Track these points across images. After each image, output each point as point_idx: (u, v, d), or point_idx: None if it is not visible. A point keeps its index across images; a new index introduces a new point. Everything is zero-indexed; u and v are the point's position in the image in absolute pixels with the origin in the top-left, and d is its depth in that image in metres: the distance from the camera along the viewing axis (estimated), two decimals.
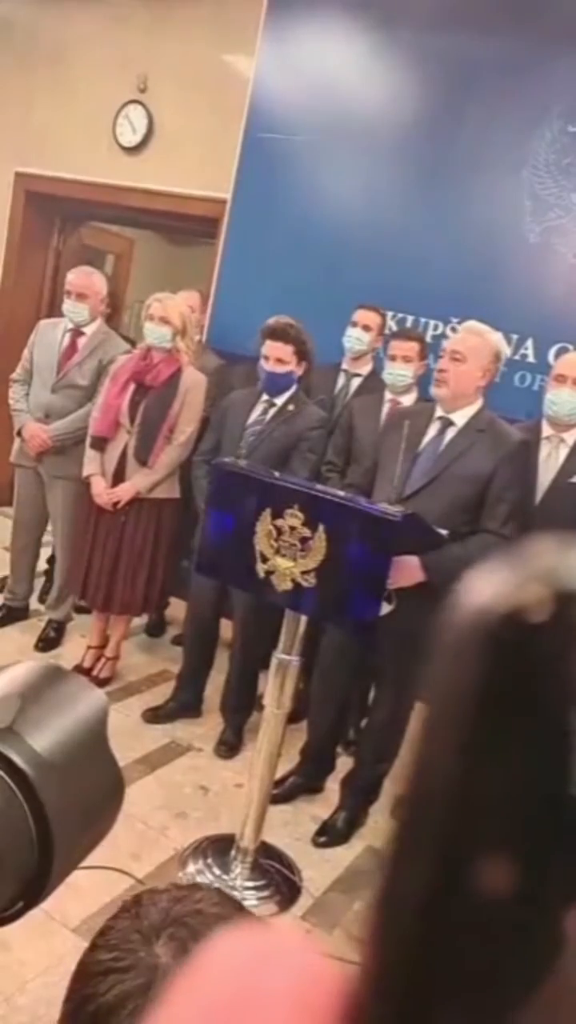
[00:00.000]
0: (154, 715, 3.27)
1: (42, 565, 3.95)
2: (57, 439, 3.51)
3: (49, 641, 3.71)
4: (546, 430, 2.82)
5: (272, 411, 3.05)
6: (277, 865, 2.56)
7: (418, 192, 3.61)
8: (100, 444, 3.29)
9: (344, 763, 2.98)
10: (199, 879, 2.43)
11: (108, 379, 3.35)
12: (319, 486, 2.44)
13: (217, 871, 2.48)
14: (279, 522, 2.21)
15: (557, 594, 0.16)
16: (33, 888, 0.40)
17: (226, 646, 3.33)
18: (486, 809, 0.16)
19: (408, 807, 0.17)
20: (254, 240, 3.97)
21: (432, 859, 0.17)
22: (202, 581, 3.03)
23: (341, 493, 2.37)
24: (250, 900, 2.39)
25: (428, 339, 3.32)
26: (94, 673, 3.44)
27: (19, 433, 3.61)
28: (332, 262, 3.72)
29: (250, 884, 2.46)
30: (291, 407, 3.04)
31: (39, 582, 4.04)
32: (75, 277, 3.56)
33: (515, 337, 3.32)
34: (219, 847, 2.55)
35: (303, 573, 2.18)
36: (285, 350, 2.95)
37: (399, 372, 3.07)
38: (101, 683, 3.39)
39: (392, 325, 3.51)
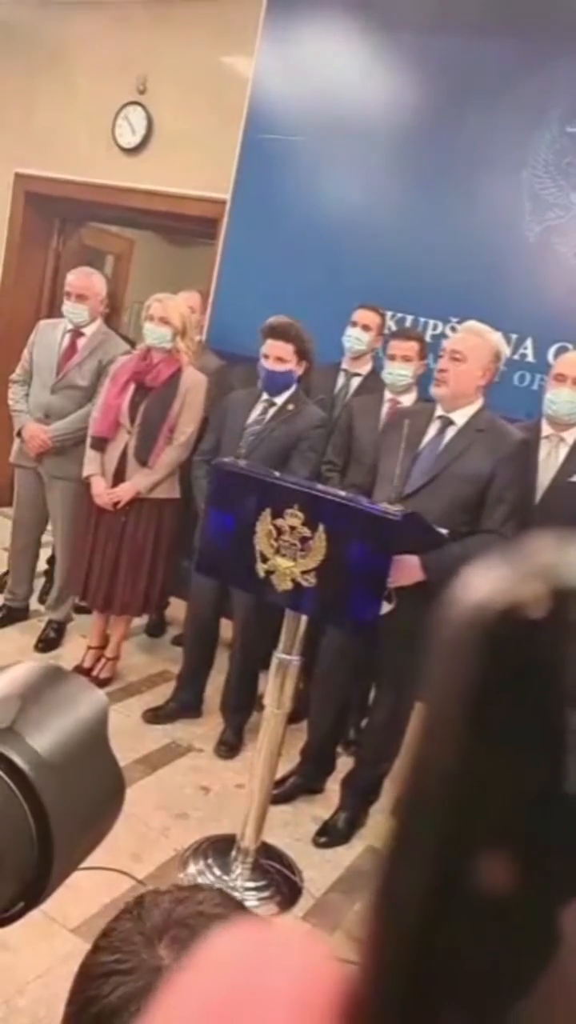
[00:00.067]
0: (154, 715, 3.27)
1: (42, 565, 3.95)
2: (57, 439, 3.51)
3: (49, 641, 3.71)
4: (546, 429, 2.82)
5: (272, 411, 3.05)
6: (278, 865, 2.56)
7: (418, 192, 3.61)
8: (100, 444, 3.29)
9: (344, 763, 2.98)
10: (200, 880, 2.43)
11: (108, 379, 3.35)
12: (319, 486, 2.44)
13: (218, 872, 2.48)
14: (279, 522, 2.21)
15: (555, 591, 0.16)
16: (33, 889, 0.40)
17: (226, 646, 3.33)
18: (484, 807, 0.16)
19: (406, 805, 0.17)
20: (254, 241, 3.97)
21: (430, 857, 0.17)
22: (202, 581, 3.03)
23: (341, 493, 2.37)
24: (251, 901, 2.39)
25: (428, 339, 3.33)
26: (94, 673, 3.44)
27: (19, 433, 3.62)
28: (332, 262, 3.72)
29: (251, 885, 2.46)
30: (291, 407, 3.04)
31: (39, 583, 4.04)
32: (75, 278, 3.56)
33: (514, 337, 3.32)
34: (220, 848, 2.55)
35: (303, 573, 2.18)
36: (286, 349, 2.95)
37: (399, 372, 3.07)
38: (101, 683, 3.39)
39: (392, 325, 3.51)
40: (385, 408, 3.09)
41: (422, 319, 3.57)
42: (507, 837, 0.16)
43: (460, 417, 2.61)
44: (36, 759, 0.40)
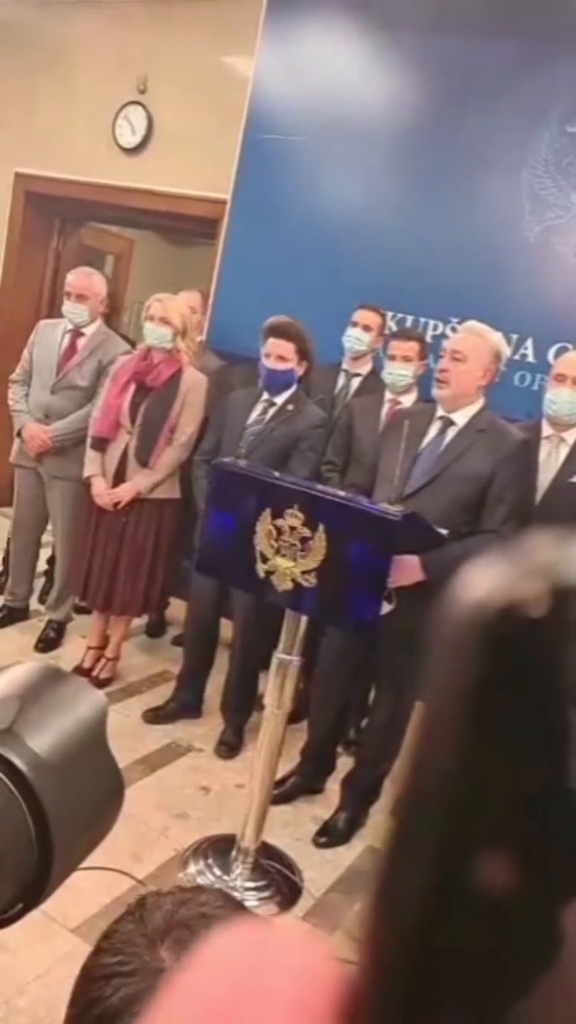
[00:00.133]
0: (154, 716, 3.27)
1: (42, 566, 3.96)
2: (57, 439, 3.51)
3: (49, 642, 3.71)
4: (546, 430, 2.82)
5: (272, 411, 3.05)
6: (278, 866, 2.56)
7: (418, 192, 3.61)
8: (101, 445, 3.29)
9: (345, 763, 2.98)
10: (200, 880, 2.43)
11: (108, 380, 3.35)
12: (319, 486, 2.45)
13: (218, 872, 2.48)
14: (279, 522, 2.21)
15: (555, 589, 0.16)
16: (33, 890, 0.40)
17: (226, 646, 3.33)
18: (484, 806, 0.16)
19: (406, 805, 0.17)
20: (254, 241, 3.97)
21: (430, 857, 0.17)
22: (202, 581, 3.03)
23: (341, 493, 2.37)
24: (251, 901, 2.39)
25: (428, 339, 3.33)
26: (94, 674, 3.44)
27: (19, 434, 3.62)
28: (332, 262, 3.72)
29: (251, 885, 2.46)
30: (291, 407, 3.04)
31: (39, 583, 4.04)
32: (75, 278, 3.56)
33: (515, 337, 3.32)
34: (220, 848, 2.55)
35: (303, 573, 2.18)
36: (287, 347, 2.96)
37: (399, 372, 3.07)
38: (101, 684, 3.39)
39: (392, 325, 3.51)
40: (385, 408, 3.09)
41: (422, 319, 3.57)
42: (507, 837, 0.16)
43: (461, 417, 2.61)
44: (35, 760, 0.40)
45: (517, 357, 3.34)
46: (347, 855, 2.73)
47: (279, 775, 2.67)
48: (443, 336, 3.41)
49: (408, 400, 3.11)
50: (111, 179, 4.65)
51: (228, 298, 4.02)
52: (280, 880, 2.52)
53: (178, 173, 4.41)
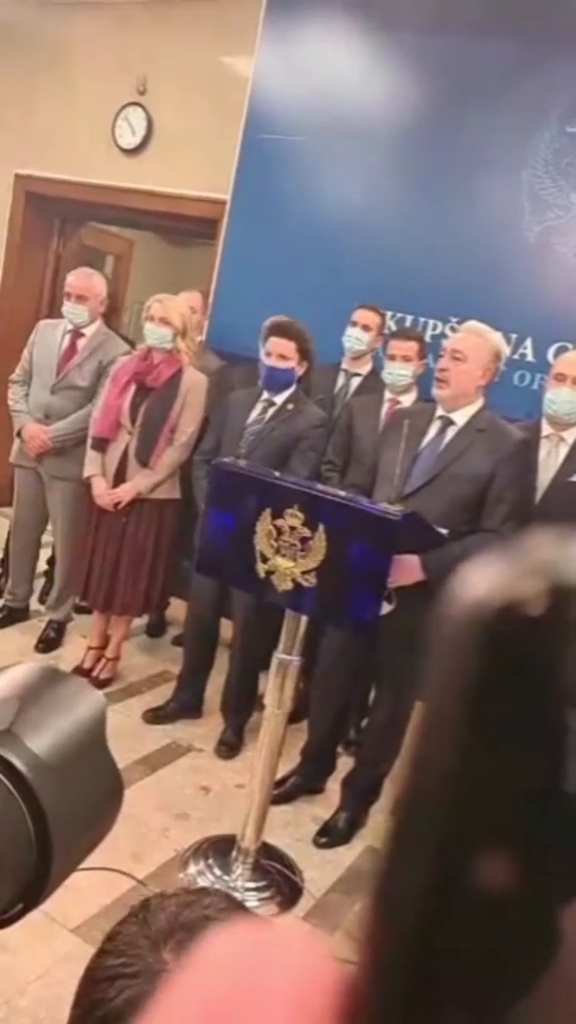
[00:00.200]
0: (155, 716, 3.27)
1: (42, 566, 3.96)
2: (57, 440, 3.51)
3: (49, 642, 3.71)
4: (546, 429, 2.82)
5: (272, 410, 3.05)
6: (278, 866, 2.55)
7: (417, 192, 3.61)
8: (101, 445, 3.29)
9: (345, 763, 2.98)
10: (200, 880, 2.43)
11: (108, 380, 3.35)
12: (319, 486, 2.44)
13: (218, 872, 2.48)
14: (279, 522, 2.21)
15: (554, 588, 0.16)
16: (32, 890, 0.40)
17: (226, 646, 3.33)
18: (483, 806, 0.16)
19: (405, 804, 0.17)
20: (253, 241, 3.97)
21: (430, 857, 0.17)
22: (202, 581, 3.03)
23: (341, 493, 2.37)
24: (251, 901, 2.38)
25: (427, 339, 3.33)
26: (95, 674, 3.44)
27: (19, 434, 3.62)
28: (331, 262, 3.72)
29: (251, 885, 2.46)
30: (290, 406, 3.04)
31: (39, 583, 4.04)
32: (75, 279, 3.56)
33: (514, 336, 3.32)
34: (220, 848, 2.55)
35: (303, 573, 2.18)
36: (288, 346, 2.97)
37: (398, 372, 3.07)
38: (101, 684, 3.39)
39: (391, 325, 3.51)
40: (385, 408, 3.09)
41: (422, 319, 3.57)
42: (507, 836, 0.16)
43: (460, 417, 2.61)
44: (34, 761, 0.40)
45: (517, 357, 3.34)
46: (347, 855, 2.73)
47: (279, 775, 2.67)
48: (443, 336, 3.41)
49: (408, 400, 3.11)
50: (111, 180, 4.65)
51: (228, 298, 4.03)
52: (280, 880, 2.52)
53: (178, 173, 4.41)
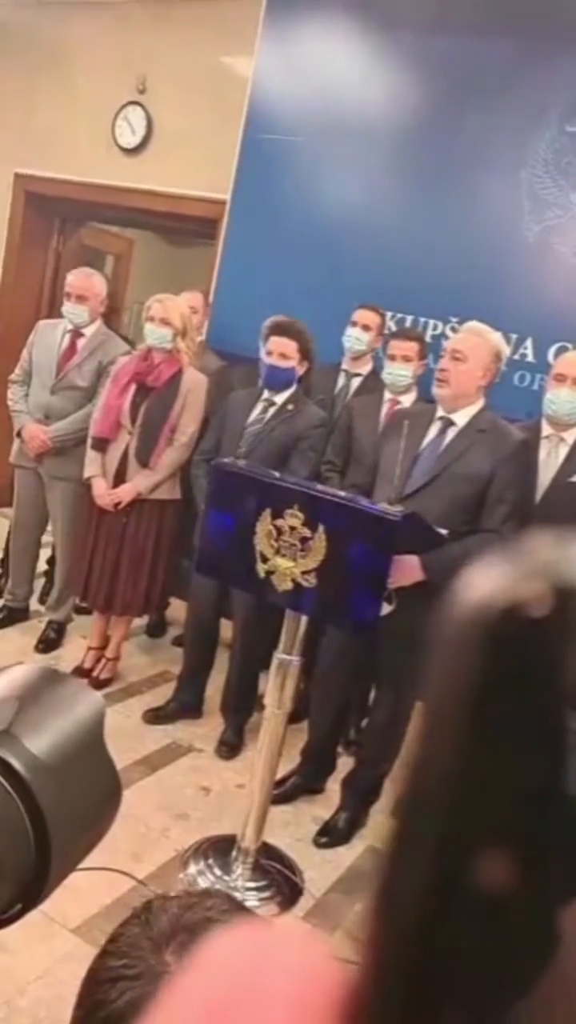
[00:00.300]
0: (155, 716, 3.27)
1: (42, 566, 3.96)
2: (57, 440, 3.51)
3: (49, 642, 3.71)
4: (546, 429, 2.82)
5: (272, 410, 3.05)
6: (278, 866, 2.55)
7: (417, 192, 3.61)
8: (101, 445, 3.29)
9: (345, 763, 2.98)
10: (200, 880, 2.44)
11: (109, 380, 3.35)
12: (319, 486, 2.45)
13: (218, 872, 2.48)
14: (279, 522, 2.21)
15: (556, 589, 0.16)
16: (31, 891, 0.40)
17: (226, 646, 3.33)
18: (484, 806, 0.16)
19: (406, 805, 0.17)
20: (253, 241, 3.97)
21: (430, 857, 0.17)
22: (202, 581, 3.03)
23: (341, 493, 2.37)
24: (251, 901, 2.38)
25: (428, 339, 3.33)
26: (95, 674, 3.44)
27: (19, 434, 3.62)
28: (331, 262, 3.72)
29: (251, 885, 2.46)
30: (290, 406, 3.04)
31: (39, 584, 4.04)
32: (75, 279, 3.56)
33: (514, 336, 3.32)
34: (220, 848, 2.55)
35: (303, 573, 2.18)
36: (290, 345, 2.97)
37: (398, 372, 3.07)
38: (102, 684, 3.40)
39: (391, 325, 3.51)
40: (384, 408, 3.09)
41: (422, 319, 3.57)
42: (507, 837, 0.16)
43: (461, 418, 2.61)
44: (33, 762, 0.40)
45: (517, 357, 3.34)
46: (348, 855, 2.73)
47: (279, 775, 2.67)
48: (443, 336, 3.41)
49: (407, 400, 3.11)
50: (111, 179, 4.65)
51: (228, 298, 4.03)
52: (281, 880, 2.52)
53: (178, 173, 4.41)
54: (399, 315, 3.59)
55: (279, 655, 2.35)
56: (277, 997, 0.19)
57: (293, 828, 2.81)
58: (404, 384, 3.09)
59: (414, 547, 2.42)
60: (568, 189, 3.31)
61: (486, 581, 0.17)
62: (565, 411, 2.74)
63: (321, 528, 2.15)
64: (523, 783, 0.16)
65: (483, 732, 0.16)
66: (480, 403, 2.62)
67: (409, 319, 3.59)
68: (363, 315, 3.32)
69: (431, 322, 3.55)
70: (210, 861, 2.52)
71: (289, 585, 2.21)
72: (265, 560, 2.24)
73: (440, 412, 2.63)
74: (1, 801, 0.39)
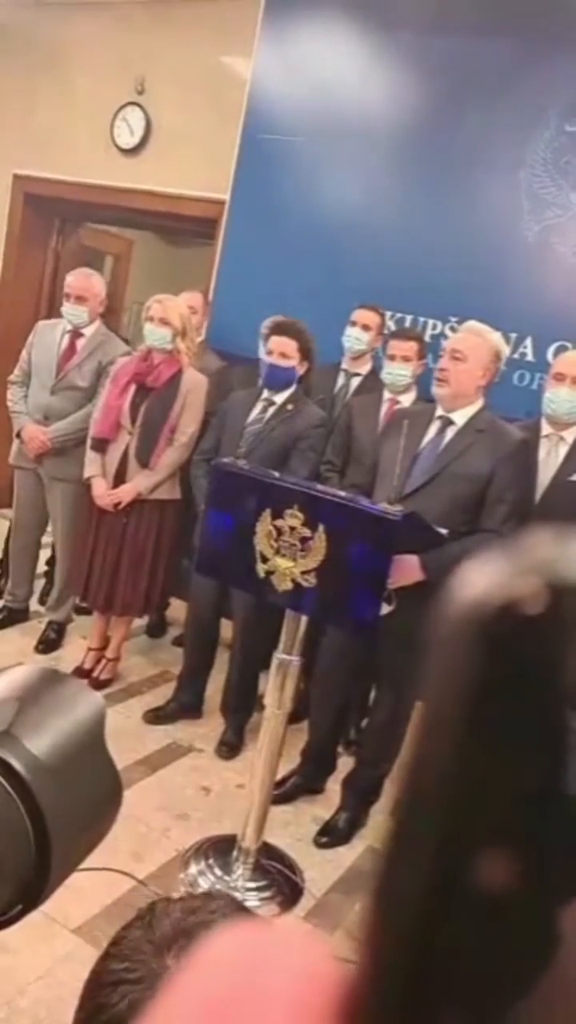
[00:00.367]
0: (155, 716, 3.27)
1: (42, 567, 3.95)
2: (57, 440, 3.51)
3: (49, 643, 3.71)
4: (545, 429, 2.82)
5: (272, 410, 3.05)
6: (279, 866, 2.56)
7: (416, 192, 3.61)
8: (101, 446, 3.29)
9: (345, 763, 2.98)
10: (200, 880, 2.44)
11: (108, 380, 3.35)
12: (319, 486, 2.44)
13: (219, 872, 2.48)
14: (279, 522, 2.21)
15: (553, 586, 0.16)
16: (31, 891, 0.40)
17: (226, 646, 3.33)
18: (483, 806, 0.16)
19: (405, 805, 0.17)
20: (253, 241, 3.97)
21: (430, 857, 0.16)
22: (202, 581, 3.03)
23: (341, 493, 2.37)
24: (252, 901, 2.38)
25: (427, 338, 3.33)
26: (95, 674, 3.44)
27: (18, 435, 3.62)
28: (331, 262, 3.72)
29: (252, 885, 2.46)
30: (290, 406, 3.05)
31: (39, 584, 4.04)
32: (74, 279, 3.56)
33: (514, 336, 3.32)
34: (221, 848, 2.55)
35: (303, 573, 2.18)
36: (290, 345, 2.98)
37: (398, 371, 3.07)
38: (102, 684, 3.40)
39: (391, 324, 3.51)
40: (384, 408, 3.09)
41: (421, 319, 3.57)
42: (506, 836, 0.16)
43: (460, 417, 2.61)
44: (33, 762, 0.40)
45: (516, 356, 3.34)
46: (348, 855, 2.73)
47: (280, 775, 2.67)
48: (442, 336, 3.41)
49: (407, 400, 3.11)
50: (110, 180, 4.65)
51: (228, 298, 4.03)
52: (281, 880, 2.52)
53: (177, 173, 4.41)
54: (399, 315, 3.59)
55: (279, 655, 2.35)
56: (276, 996, 0.19)
57: (293, 828, 2.81)
58: (403, 384, 3.09)
59: (414, 547, 2.42)
60: (567, 189, 3.31)
61: (483, 579, 0.17)
62: (564, 410, 2.74)
63: (321, 528, 2.15)
64: (523, 783, 0.16)
65: (482, 731, 0.16)
66: (479, 403, 2.62)
67: (409, 319, 3.59)
68: (363, 315, 3.32)
69: (431, 322, 3.55)
70: (211, 861, 2.52)
71: (289, 585, 2.21)
72: (265, 560, 2.24)
73: (439, 412, 2.63)
74: (1, 802, 0.39)
